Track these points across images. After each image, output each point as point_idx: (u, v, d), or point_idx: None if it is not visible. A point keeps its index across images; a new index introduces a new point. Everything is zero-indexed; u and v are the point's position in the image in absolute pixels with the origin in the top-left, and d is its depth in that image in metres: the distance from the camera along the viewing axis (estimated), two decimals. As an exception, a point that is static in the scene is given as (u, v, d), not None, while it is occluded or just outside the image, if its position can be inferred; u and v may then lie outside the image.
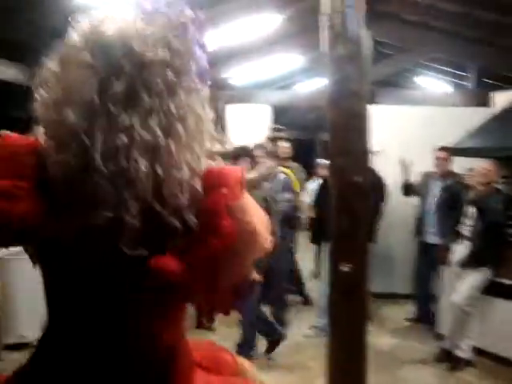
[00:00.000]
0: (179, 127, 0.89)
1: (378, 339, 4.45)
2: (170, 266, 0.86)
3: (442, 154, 5.05)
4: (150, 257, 0.86)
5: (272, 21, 5.89)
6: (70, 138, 0.86)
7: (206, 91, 0.96)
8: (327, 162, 3.37)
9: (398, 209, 5.83)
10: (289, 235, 5.36)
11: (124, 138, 0.85)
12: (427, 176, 5.23)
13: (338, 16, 2.63)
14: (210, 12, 5.33)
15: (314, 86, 9.64)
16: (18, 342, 3.97)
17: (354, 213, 2.59)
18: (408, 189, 5.28)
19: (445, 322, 4.42)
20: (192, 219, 0.87)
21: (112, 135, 0.85)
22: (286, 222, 5.13)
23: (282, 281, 5.16)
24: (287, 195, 4.98)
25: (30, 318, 3.93)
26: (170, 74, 0.89)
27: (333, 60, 2.72)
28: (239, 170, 0.96)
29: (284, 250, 5.17)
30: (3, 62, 4.77)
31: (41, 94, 0.92)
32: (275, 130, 6.32)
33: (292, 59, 7.59)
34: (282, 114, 8.84)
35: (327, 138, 2.76)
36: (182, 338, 1.02)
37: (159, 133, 0.87)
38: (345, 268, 2.68)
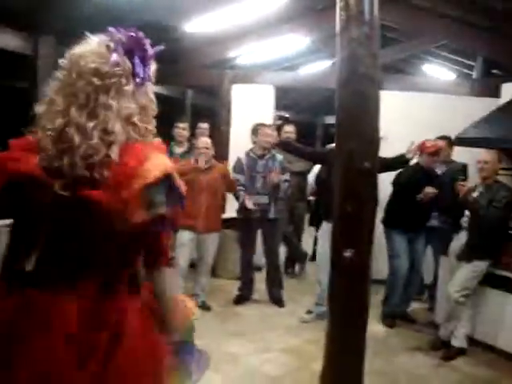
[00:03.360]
0: (101, 113, 1.36)
1: (375, 326, 4.46)
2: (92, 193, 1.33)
3: (441, 143, 5.07)
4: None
5: (278, 0, 5.79)
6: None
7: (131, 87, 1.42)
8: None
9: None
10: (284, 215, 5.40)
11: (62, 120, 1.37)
12: None
13: (353, -4, 2.57)
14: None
15: (318, 68, 9.54)
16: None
17: (361, 199, 2.55)
18: None
19: (441, 311, 4.44)
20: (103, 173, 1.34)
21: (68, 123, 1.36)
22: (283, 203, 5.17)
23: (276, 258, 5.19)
24: (285, 176, 5.01)
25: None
26: (95, 80, 1.37)
27: (344, 41, 2.66)
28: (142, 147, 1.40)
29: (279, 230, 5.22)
30: (8, 32, 4.64)
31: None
32: (279, 117, 6.30)
33: (296, 40, 7.49)
34: (284, 96, 8.75)
35: (330, 121, 2.72)
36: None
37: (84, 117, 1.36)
38: (347, 254, 2.66)
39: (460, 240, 4.31)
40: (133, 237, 1.39)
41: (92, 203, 1.31)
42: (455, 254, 4.32)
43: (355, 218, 2.61)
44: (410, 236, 4.76)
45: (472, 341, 4.27)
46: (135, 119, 1.41)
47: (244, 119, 6.18)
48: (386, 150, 5.45)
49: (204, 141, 4.81)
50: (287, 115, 6.54)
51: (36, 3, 4.47)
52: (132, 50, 1.43)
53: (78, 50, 1.42)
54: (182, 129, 5.52)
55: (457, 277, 4.14)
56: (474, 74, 8.30)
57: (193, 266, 4.91)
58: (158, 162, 1.36)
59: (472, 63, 8.52)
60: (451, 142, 5.06)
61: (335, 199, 2.72)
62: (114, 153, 1.35)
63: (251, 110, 6.29)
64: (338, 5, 2.66)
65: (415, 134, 5.64)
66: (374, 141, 2.57)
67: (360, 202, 2.58)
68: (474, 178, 4.57)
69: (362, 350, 2.80)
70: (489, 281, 4.22)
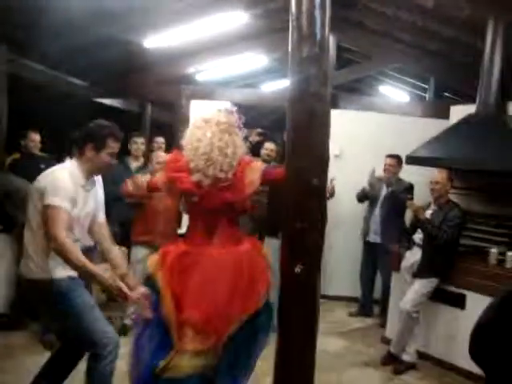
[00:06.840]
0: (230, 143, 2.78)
1: (325, 340, 4.49)
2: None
3: (391, 161, 5.31)
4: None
5: (239, 18, 5.86)
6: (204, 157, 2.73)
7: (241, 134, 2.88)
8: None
9: (349, 212, 5.93)
10: None
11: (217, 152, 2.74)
12: (377, 180, 5.45)
13: (305, 17, 2.63)
14: (177, 5, 5.27)
15: (278, 86, 9.67)
16: None
17: (309, 215, 2.59)
18: (363, 196, 5.51)
19: (393, 326, 4.52)
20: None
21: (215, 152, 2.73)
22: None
23: None
24: None
25: None
26: (227, 128, 2.81)
27: (296, 60, 2.71)
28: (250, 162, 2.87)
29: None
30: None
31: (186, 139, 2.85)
32: (259, 134, 6.30)
33: (256, 59, 7.59)
34: (244, 113, 8.79)
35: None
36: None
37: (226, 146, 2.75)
38: (297, 269, 2.68)
39: (413, 257, 4.41)
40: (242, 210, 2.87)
41: (224, 198, 2.70)
42: (409, 270, 4.42)
43: (304, 235, 2.63)
44: None
45: (423, 355, 4.36)
46: (241, 149, 2.81)
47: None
48: (341, 168, 5.62)
49: (163, 155, 4.74)
50: (265, 131, 6.60)
51: None
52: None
53: (210, 114, 2.85)
54: (139, 143, 5.47)
55: (411, 293, 4.22)
56: (427, 96, 8.60)
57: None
58: (255, 173, 2.77)
59: (425, 86, 8.83)
60: (400, 161, 5.24)
61: (285, 216, 2.74)
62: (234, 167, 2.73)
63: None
64: (291, 25, 2.72)
65: (369, 152, 5.80)
66: (322, 158, 2.61)
67: (309, 218, 2.62)
68: (423, 198, 4.71)
69: (312, 364, 2.81)
70: (440, 297, 4.33)
